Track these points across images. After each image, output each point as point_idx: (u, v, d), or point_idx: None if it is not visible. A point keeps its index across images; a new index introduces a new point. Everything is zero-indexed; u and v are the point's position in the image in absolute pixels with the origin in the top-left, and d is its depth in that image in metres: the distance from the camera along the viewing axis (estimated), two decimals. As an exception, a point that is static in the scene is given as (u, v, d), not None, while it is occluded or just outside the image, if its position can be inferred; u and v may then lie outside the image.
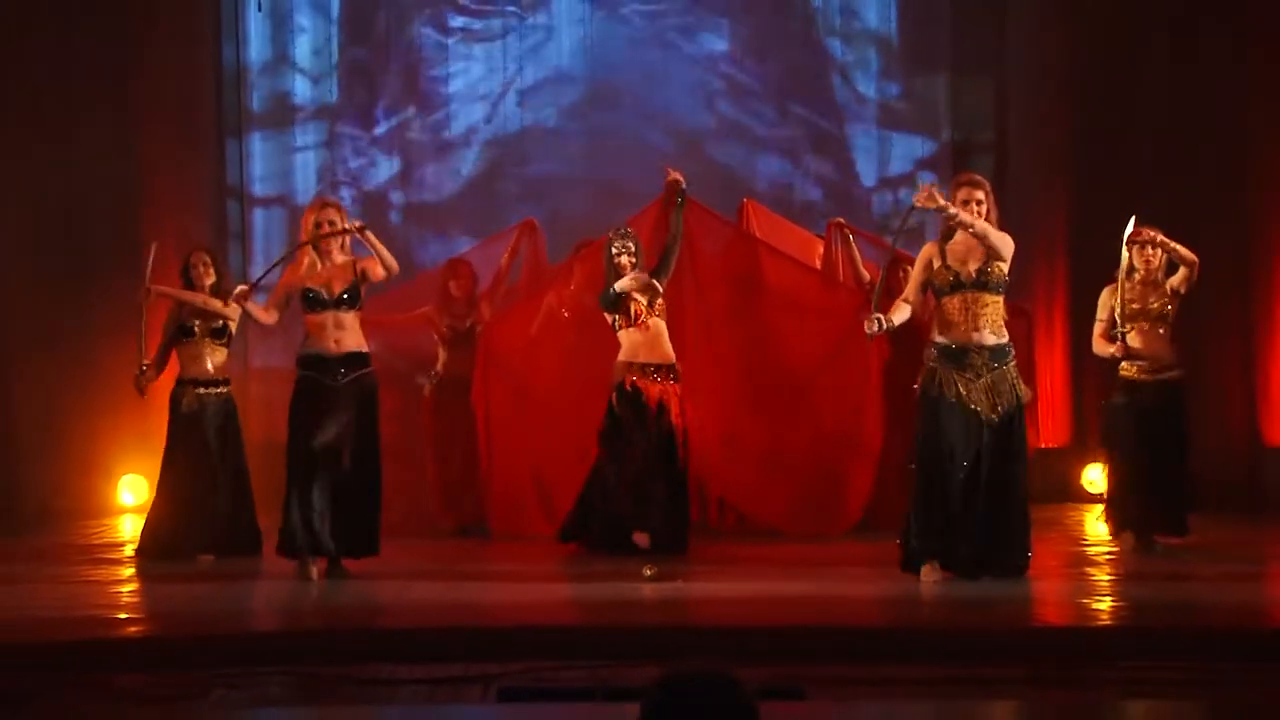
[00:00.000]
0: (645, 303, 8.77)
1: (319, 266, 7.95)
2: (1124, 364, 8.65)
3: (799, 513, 9.69)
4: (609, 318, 8.78)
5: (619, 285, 8.71)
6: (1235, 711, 5.18)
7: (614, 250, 8.85)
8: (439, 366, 10.16)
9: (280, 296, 8.13)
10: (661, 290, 8.85)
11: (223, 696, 5.44)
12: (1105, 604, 7.05)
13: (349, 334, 7.93)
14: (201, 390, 8.81)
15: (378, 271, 7.96)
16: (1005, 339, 7.47)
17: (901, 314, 7.56)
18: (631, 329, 8.75)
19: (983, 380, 7.38)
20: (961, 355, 7.40)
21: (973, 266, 7.42)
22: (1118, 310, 8.52)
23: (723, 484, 9.85)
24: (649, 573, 7.63)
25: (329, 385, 7.85)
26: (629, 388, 8.69)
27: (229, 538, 8.73)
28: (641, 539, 8.38)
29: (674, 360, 8.84)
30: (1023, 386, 7.48)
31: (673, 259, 8.99)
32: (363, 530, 7.90)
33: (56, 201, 11.47)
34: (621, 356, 8.75)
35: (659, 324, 8.80)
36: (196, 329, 8.83)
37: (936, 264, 7.48)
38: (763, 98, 12.52)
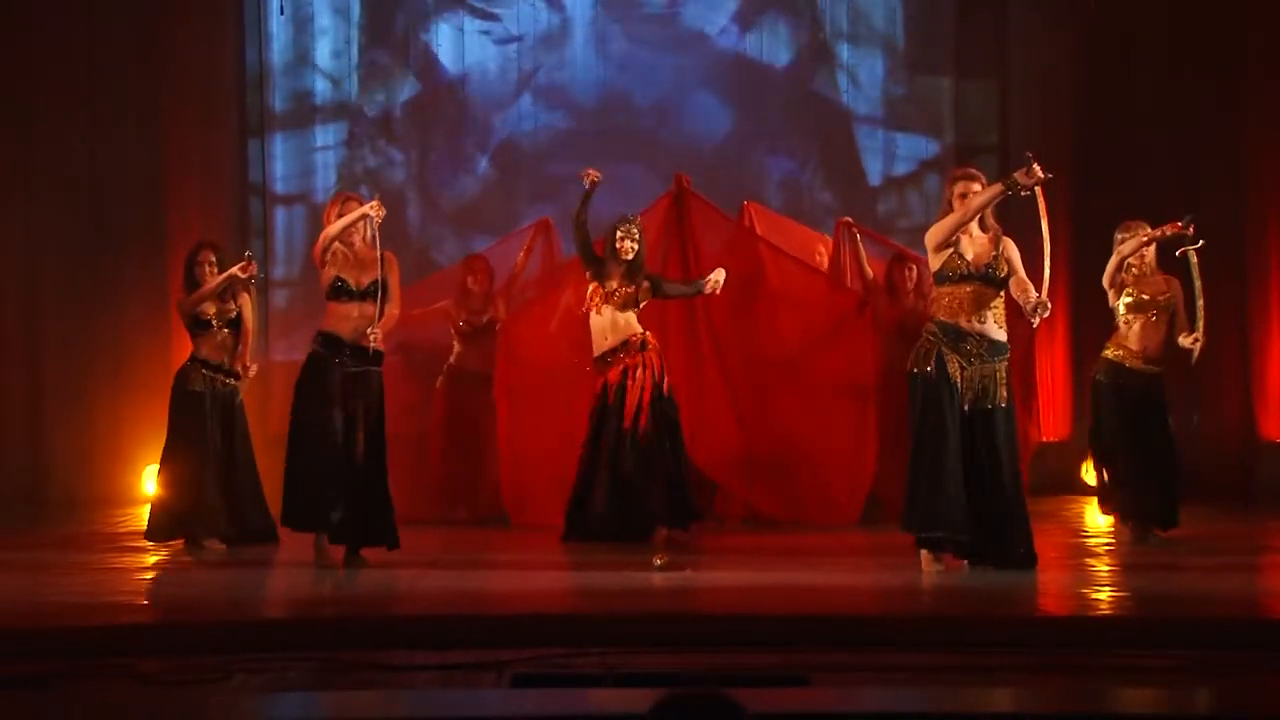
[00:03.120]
0: (607, 291, 8.98)
1: (349, 260, 7.98)
2: (1111, 348, 8.77)
3: (802, 504, 9.79)
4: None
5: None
6: (1231, 699, 5.24)
7: (618, 235, 9.05)
8: (452, 359, 10.30)
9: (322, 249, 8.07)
10: (644, 295, 9.05)
11: (242, 681, 5.48)
12: (1104, 594, 7.11)
13: (372, 327, 7.96)
14: (210, 374, 8.89)
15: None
16: (1005, 337, 7.54)
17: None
18: (593, 314, 9.02)
19: (973, 368, 7.46)
20: (960, 338, 7.46)
21: (981, 260, 7.51)
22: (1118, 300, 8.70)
23: (727, 476, 9.93)
24: (659, 562, 7.74)
25: (336, 366, 7.91)
26: (595, 389, 9.01)
27: (240, 528, 8.81)
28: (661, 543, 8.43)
29: (638, 331, 9.00)
30: (1008, 390, 7.51)
31: (671, 295, 9.23)
32: (383, 522, 7.97)
33: (84, 198, 11.67)
34: (595, 352, 9.05)
35: (615, 313, 9.00)
36: (214, 322, 8.92)
37: (949, 250, 7.54)
38: (771, 98, 12.59)
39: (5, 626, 6.27)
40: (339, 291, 7.97)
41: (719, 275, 8.98)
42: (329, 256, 8.01)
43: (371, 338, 7.90)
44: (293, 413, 8.02)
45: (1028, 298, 7.41)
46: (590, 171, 9.11)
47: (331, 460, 7.89)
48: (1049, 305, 7.44)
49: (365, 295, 7.96)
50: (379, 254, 8.03)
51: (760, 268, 9.96)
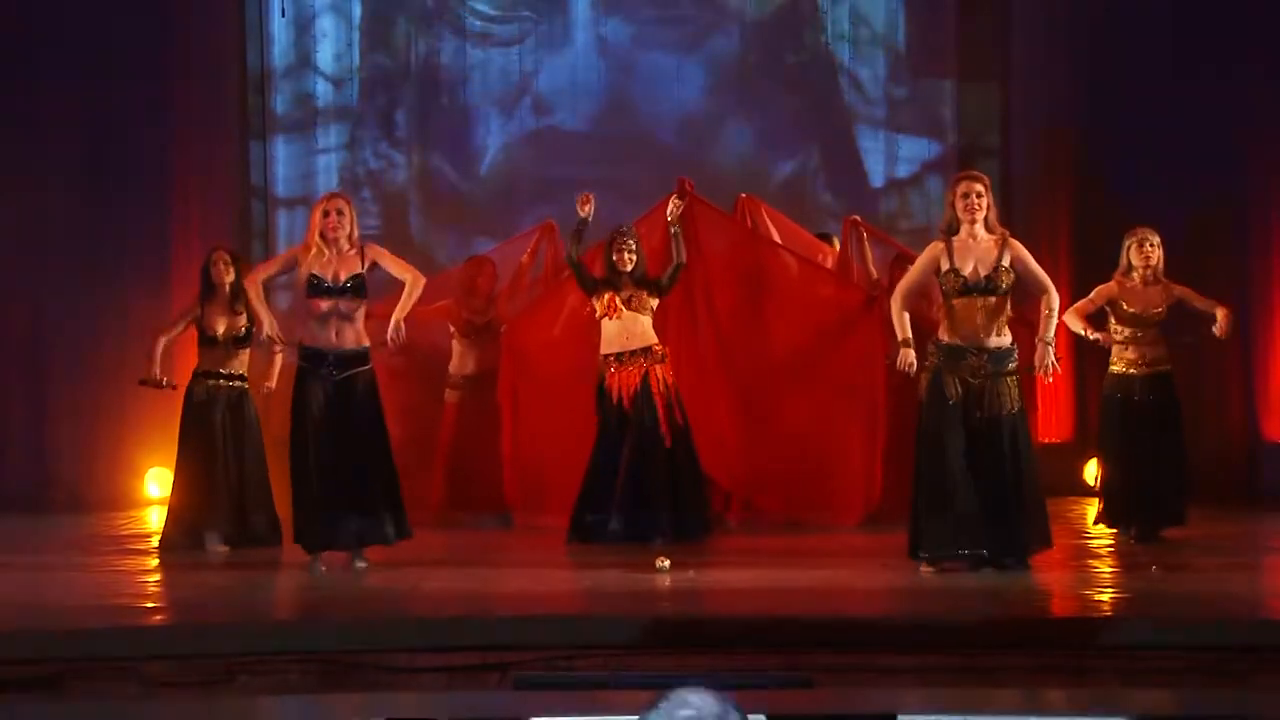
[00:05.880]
0: (622, 298, 9.00)
1: (326, 255, 7.88)
2: (1116, 363, 8.77)
3: (809, 505, 9.78)
4: (592, 307, 9.08)
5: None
6: (1233, 699, 5.27)
7: (614, 249, 9.09)
8: (453, 365, 10.29)
9: (274, 270, 8.24)
10: (653, 298, 9.08)
11: (246, 683, 5.52)
12: (1107, 595, 7.12)
13: (350, 327, 7.88)
14: (213, 382, 8.89)
15: (393, 270, 8.05)
16: (1009, 343, 7.53)
17: (905, 320, 7.65)
18: (606, 319, 9.03)
19: (979, 383, 7.45)
20: (962, 357, 7.46)
21: (981, 271, 7.48)
22: (1112, 317, 8.70)
23: (734, 477, 9.93)
24: (662, 564, 7.75)
25: (324, 378, 7.85)
26: (606, 388, 9.00)
27: (245, 529, 8.82)
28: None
29: (654, 343, 9.06)
30: (1016, 395, 7.52)
31: (673, 281, 9.18)
32: (391, 517, 7.94)
33: (87, 200, 11.68)
34: (601, 350, 9.06)
35: (636, 316, 9.03)
36: (220, 338, 8.92)
37: (945, 267, 7.51)
38: (773, 100, 12.60)
39: (10, 629, 6.29)
40: (317, 289, 7.86)
41: (674, 205, 9.05)
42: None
43: (392, 337, 7.88)
44: (291, 434, 7.98)
45: (1041, 348, 7.51)
46: (585, 201, 9.08)
47: (328, 479, 7.85)
48: (1052, 367, 7.55)
49: (344, 292, 7.87)
50: (360, 249, 7.96)
51: (766, 267, 9.96)
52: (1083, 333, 8.75)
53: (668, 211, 9.13)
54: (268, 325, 8.07)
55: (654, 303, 9.12)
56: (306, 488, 7.88)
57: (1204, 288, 8.89)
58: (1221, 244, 10.64)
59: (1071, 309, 8.70)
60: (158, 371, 9.01)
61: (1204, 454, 10.77)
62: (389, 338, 7.93)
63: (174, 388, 9.07)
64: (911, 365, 7.55)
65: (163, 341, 9.04)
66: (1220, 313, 8.61)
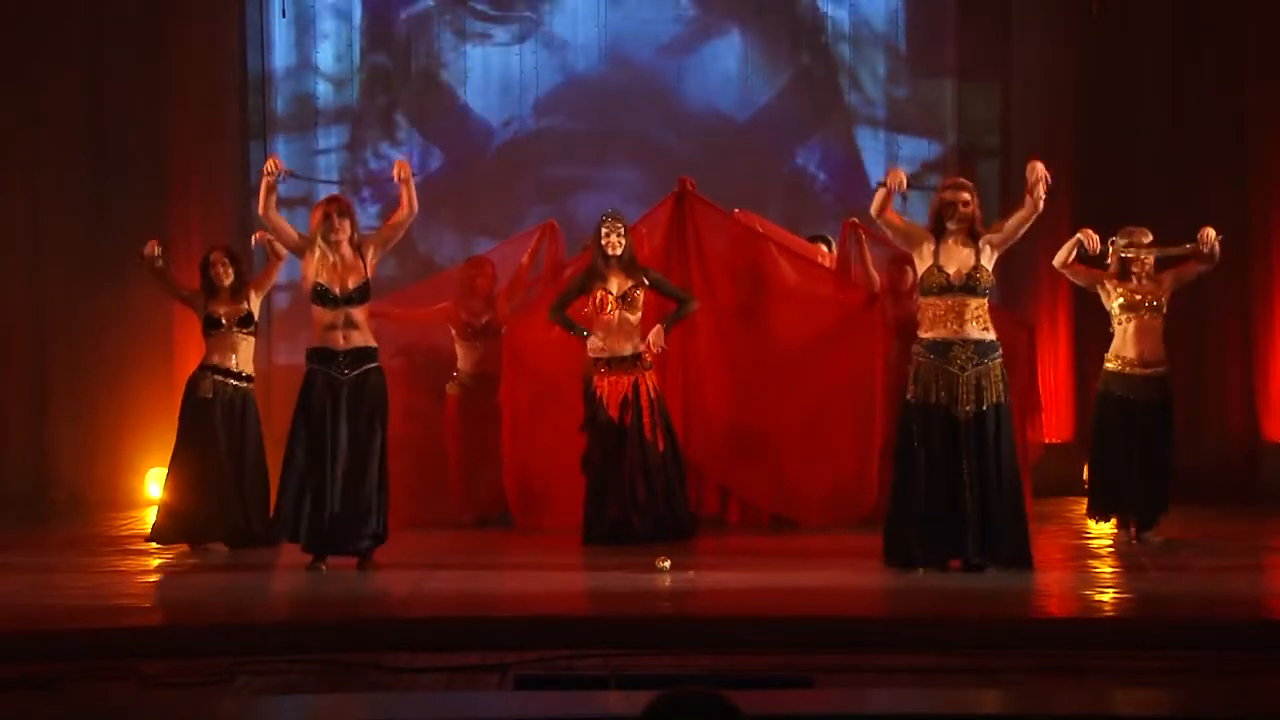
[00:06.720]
0: (616, 295, 9.01)
1: (330, 260, 7.95)
2: (1112, 360, 8.77)
3: (810, 504, 9.77)
4: (587, 303, 9.10)
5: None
6: (1234, 700, 5.25)
7: (603, 232, 9.08)
8: (459, 365, 10.30)
9: (290, 231, 8.18)
10: (640, 291, 9.09)
11: (245, 683, 5.51)
12: (1107, 595, 7.12)
13: (358, 330, 7.94)
14: (219, 379, 8.89)
15: (384, 234, 8.08)
16: (992, 336, 7.57)
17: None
18: (599, 317, 9.03)
19: (967, 374, 7.48)
20: (946, 349, 7.50)
21: (962, 270, 7.54)
22: (1111, 302, 8.70)
23: (733, 477, 9.95)
24: (663, 564, 7.75)
25: (335, 378, 7.88)
26: (597, 394, 9.02)
27: (244, 530, 8.81)
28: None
29: (639, 350, 9.08)
30: (1002, 387, 7.54)
31: (666, 294, 9.24)
32: (369, 529, 7.90)
33: (87, 201, 11.69)
34: (589, 353, 9.08)
35: (626, 318, 9.05)
36: (224, 319, 8.92)
37: (928, 261, 7.60)
38: (773, 100, 12.61)
39: (10, 629, 6.30)
40: (322, 298, 7.94)
41: (657, 336, 9.09)
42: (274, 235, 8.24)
43: (398, 172, 7.98)
44: (291, 428, 7.99)
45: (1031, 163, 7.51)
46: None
47: (332, 477, 7.85)
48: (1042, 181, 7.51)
49: (349, 300, 7.93)
50: (361, 256, 7.99)
51: (767, 266, 9.97)
52: (1081, 246, 8.69)
53: (652, 345, 9.16)
54: (271, 160, 8.17)
55: (641, 295, 9.11)
56: (291, 478, 7.89)
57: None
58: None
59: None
60: (154, 246, 8.97)
61: (1204, 454, 10.80)
62: (394, 172, 8.04)
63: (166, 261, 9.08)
64: (902, 182, 7.68)
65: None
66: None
